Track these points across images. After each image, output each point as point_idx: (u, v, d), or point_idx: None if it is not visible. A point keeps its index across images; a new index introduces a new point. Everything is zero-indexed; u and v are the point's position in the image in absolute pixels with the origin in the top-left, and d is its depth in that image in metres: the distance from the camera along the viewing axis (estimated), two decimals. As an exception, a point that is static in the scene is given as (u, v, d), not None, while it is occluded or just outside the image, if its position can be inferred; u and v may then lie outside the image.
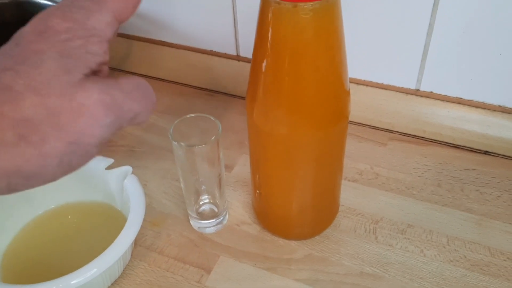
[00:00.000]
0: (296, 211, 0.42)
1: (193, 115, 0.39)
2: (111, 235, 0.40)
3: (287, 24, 0.31)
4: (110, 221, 0.45)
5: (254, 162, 0.42)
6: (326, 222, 0.44)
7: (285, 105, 0.34)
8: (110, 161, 0.45)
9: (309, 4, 0.30)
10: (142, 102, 0.24)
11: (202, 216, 0.45)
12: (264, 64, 0.34)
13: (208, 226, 0.45)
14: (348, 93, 0.36)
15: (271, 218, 0.44)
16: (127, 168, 0.44)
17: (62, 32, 0.22)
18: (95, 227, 0.46)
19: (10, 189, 0.22)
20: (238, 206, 0.48)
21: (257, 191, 0.43)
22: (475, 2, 0.44)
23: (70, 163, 0.22)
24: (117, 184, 0.44)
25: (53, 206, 0.46)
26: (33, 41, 0.22)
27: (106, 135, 0.22)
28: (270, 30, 0.32)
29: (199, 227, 0.45)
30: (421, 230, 0.44)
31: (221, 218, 0.45)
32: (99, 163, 0.45)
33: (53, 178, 0.23)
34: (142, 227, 0.40)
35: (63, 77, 0.21)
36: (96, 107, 0.21)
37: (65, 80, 0.21)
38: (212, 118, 0.40)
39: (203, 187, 0.44)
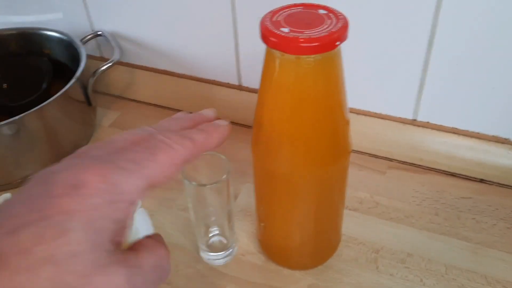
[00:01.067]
0: (299, 242, 0.43)
1: (204, 153, 0.41)
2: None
3: (290, 74, 0.33)
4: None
5: (259, 196, 0.43)
6: (329, 252, 0.46)
7: (288, 146, 0.36)
8: (119, 194, 0.46)
9: (311, 56, 0.31)
10: (157, 282, 0.24)
11: (211, 248, 0.46)
12: (268, 108, 0.35)
13: (218, 258, 0.46)
14: (348, 129, 0.38)
15: (275, 249, 0.45)
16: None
17: (94, 195, 0.21)
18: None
19: None
20: (242, 236, 0.49)
21: (261, 224, 0.45)
22: (469, 38, 0.46)
23: None
24: (125, 217, 0.46)
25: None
26: (63, 195, 0.21)
27: None
28: (274, 78, 0.34)
29: (208, 259, 0.46)
30: (420, 259, 0.46)
31: (231, 250, 0.46)
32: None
33: None
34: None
35: (87, 256, 0.21)
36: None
37: (89, 259, 0.21)
38: (222, 157, 0.41)
39: (213, 219, 0.45)
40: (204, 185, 0.40)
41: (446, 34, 0.47)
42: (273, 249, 0.46)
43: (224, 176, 0.40)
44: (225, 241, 0.46)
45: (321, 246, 0.45)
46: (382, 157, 0.57)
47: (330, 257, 0.46)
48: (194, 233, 0.48)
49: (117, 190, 0.22)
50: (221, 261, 0.46)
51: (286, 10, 0.34)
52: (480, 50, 0.46)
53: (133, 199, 0.23)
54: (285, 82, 0.33)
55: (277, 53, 0.32)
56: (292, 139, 0.35)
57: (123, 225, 0.23)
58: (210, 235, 0.47)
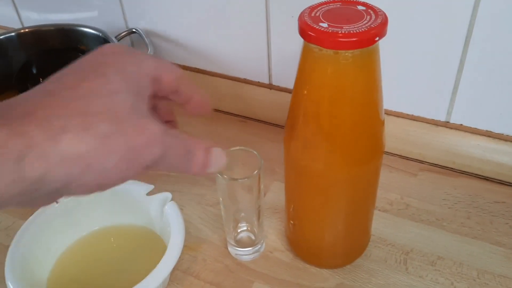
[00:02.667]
0: (329, 241, 0.43)
1: (236, 148, 0.41)
2: (151, 259, 0.42)
3: (328, 69, 0.33)
4: (149, 245, 0.48)
5: (289, 194, 0.43)
6: (358, 252, 0.46)
7: (323, 143, 0.36)
8: (151, 187, 0.47)
9: (350, 51, 0.31)
10: (183, 165, 0.27)
11: (239, 243, 0.47)
12: (304, 104, 0.36)
13: (246, 254, 0.46)
14: (383, 129, 0.38)
15: (304, 247, 0.45)
16: (167, 195, 0.46)
17: (122, 53, 0.26)
18: (135, 250, 0.48)
19: (67, 182, 0.22)
20: (271, 233, 0.49)
21: (291, 222, 0.45)
22: (506, 39, 0.45)
23: (122, 170, 0.24)
24: (157, 210, 0.46)
25: (96, 228, 0.49)
26: (96, 54, 0.26)
27: (152, 160, 0.25)
28: (311, 73, 0.34)
29: (236, 254, 0.47)
30: (451, 262, 0.45)
31: (259, 246, 0.46)
32: (140, 188, 0.47)
33: (104, 179, 0.24)
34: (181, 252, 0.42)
35: (126, 95, 0.24)
36: (155, 133, 0.25)
37: (128, 98, 0.24)
38: (255, 152, 0.41)
39: (242, 214, 0.46)
40: (236, 179, 0.40)
41: (483, 34, 0.46)
42: (302, 247, 0.46)
43: (256, 172, 0.40)
44: (253, 237, 0.47)
45: (350, 246, 0.44)
46: (414, 159, 0.56)
47: (358, 257, 0.46)
48: (223, 228, 0.48)
49: (134, 55, 0.27)
50: (249, 257, 0.46)
51: (325, 6, 0.34)
52: (518, 52, 0.46)
53: (147, 67, 0.27)
54: (322, 78, 0.33)
55: (315, 48, 0.32)
56: (327, 136, 0.35)
57: (143, 88, 0.26)
58: (239, 230, 0.47)
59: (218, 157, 0.29)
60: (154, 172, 0.26)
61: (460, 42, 0.47)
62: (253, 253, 0.46)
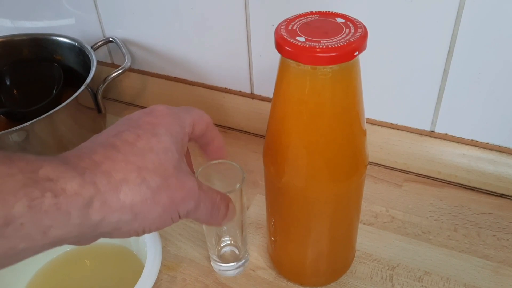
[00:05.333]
0: (312, 259, 0.42)
1: (217, 161, 0.39)
2: (127, 279, 0.40)
3: (306, 85, 0.31)
4: (126, 264, 0.46)
5: (270, 211, 0.42)
6: (343, 269, 0.44)
7: (304, 160, 0.34)
8: (127, 205, 0.45)
9: (328, 66, 0.30)
10: (210, 218, 0.31)
11: (223, 259, 0.45)
12: (282, 120, 0.34)
13: (229, 270, 0.45)
14: (365, 143, 0.37)
15: (287, 265, 0.44)
16: (144, 213, 0.44)
17: (166, 115, 0.30)
18: (111, 270, 0.46)
19: (117, 227, 0.25)
20: (253, 249, 0.47)
21: (272, 238, 0.43)
22: (490, 48, 0.44)
23: (162, 219, 0.27)
24: (133, 229, 0.44)
25: (69, 249, 0.47)
26: (143, 115, 0.29)
27: (187, 212, 0.29)
28: (289, 88, 0.32)
29: (219, 270, 0.45)
30: (438, 277, 0.44)
31: (243, 261, 0.45)
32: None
33: (146, 226, 0.27)
34: (158, 272, 0.41)
35: (175, 153, 0.28)
36: (193, 188, 0.28)
37: (176, 155, 0.28)
38: (237, 166, 0.40)
39: (225, 229, 0.44)
40: None
41: (466, 43, 0.45)
42: (284, 265, 0.44)
43: (238, 186, 0.39)
44: (237, 252, 0.45)
45: (334, 263, 0.43)
46: (399, 169, 0.55)
47: (343, 274, 0.44)
48: (206, 243, 0.47)
49: (178, 116, 0.30)
50: (233, 272, 0.45)
51: (302, 18, 0.32)
52: (500, 60, 0.45)
53: (187, 124, 0.31)
54: (300, 94, 0.32)
55: (292, 63, 0.31)
56: (307, 152, 0.34)
57: (184, 145, 0.30)
58: (222, 245, 0.45)
59: (232, 211, 0.33)
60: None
61: (444, 51, 0.46)
62: (237, 268, 0.45)
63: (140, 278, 0.39)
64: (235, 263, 0.45)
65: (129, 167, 0.26)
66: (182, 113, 0.31)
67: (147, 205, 0.26)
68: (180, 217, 0.29)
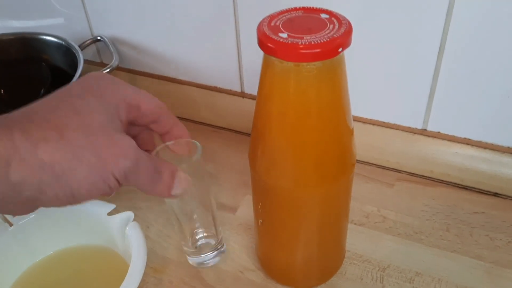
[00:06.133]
0: (300, 260, 0.41)
1: (172, 142, 0.35)
2: (113, 281, 0.39)
3: (290, 83, 0.30)
4: (112, 266, 0.45)
5: (257, 212, 0.41)
6: (332, 270, 0.43)
7: (290, 160, 0.34)
8: (112, 206, 0.44)
9: (312, 63, 0.29)
10: (150, 182, 0.29)
11: (200, 250, 0.44)
12: (266, 120, 0.33)
13: (209, 259, 0.44)
14: (353, 142, 0.36)
15: (275, 266, 0.43)
16: (129, 214, 0.43)
17: (99, 78, 0.29)
18: (96, 272, 0.45)
19: (40, 189, 0.25)
20: (241, 251, 0.47)
21: (260, 240, 0.42)
22: (482, 44, 0.43)
23: (94, 181, 0.26)
24: (118, 230, 0.44)
25: (53, 251, 0.46)
26: (77, 81, 0.29)
27: (122, 172, 0.26)
28: (273, 86, 0.31)
29: (199, 263, 0.44)
30: (430, 278, 0.43)
31: (219, 247, 0.44)
32: (101, 208, 0.44)
33: (75, 189, 0.25)
34: (143, 273, 0.40)
35: (101, 114, 0.27)
36: (128, 146, 0.27)
37: (102, 117, 0.27)
38: (194, 142, 0.37)
39: (195, 216, 0.43)
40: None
41: (458, 39, 0.44)
42: (273, 267, 0.43)
43: (195, 157, 0.36)
44: (213, 242, 0.44)
45: (323, 264, 0.42)
46: (390, 168, 0.54)
47: (333, 275, 0.43)
48: (180, 242, 0.46)
49: (115, 82, 0.30)
50: (213, 261, 0.44)
51: (286, 14, 0.32)
52: (494, 56, 0.44)
53: (128, 95, 0.29)
54: (284, 92, 0.31)
55: (275, 60, 0.30)
56: (292, 152, 0.33)
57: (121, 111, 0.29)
58: (197, 237, 0.44)
59: (183, 181, 0.31)
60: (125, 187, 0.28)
61: (435, 48, 0.45)
62: (216, 256, 0.44)
63: (125, 279, 0.38)
64: (212, 251, 0.44)
65: (48, 125, 0.25)
66: (123, 84, 0.30)
67: (69, 163, 0.25)
68: (118, 181, 0.27)
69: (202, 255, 0.44)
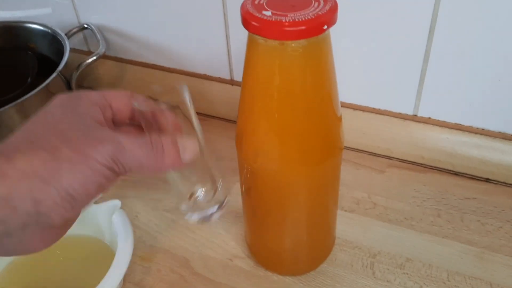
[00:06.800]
0: (289, 246, 0.40)
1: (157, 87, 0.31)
2: (100, 270, 0.39)
3: (275, 62, 0.30)
4: (99, 255, 0.44)
5: (245, 198, 0.40)
6: (322, 256, 0.43)
7: (275, 143, 0.33)
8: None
9: (297, 41, 0.28)
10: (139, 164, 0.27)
11: (201, 205, 0.37)
12: (252, 101, 0.32)
13: (213, 212, 0.37)
14: (340, 124, 0.35)
15: (264, 254, 0.42)
16: (116, 203, 0.43)
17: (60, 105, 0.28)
18: (83, 262, 0.44)
19: (37, 199, 0.24)
20: (230, 238, 0.46)
21: (249, 226, 0.42)
22: (472, 28, 0.43)
23: (79, 176, 0.25)
24: (105, 219, 0.43)
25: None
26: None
27: (108, 157, 0.25)
28: (257, 66, 0.31)
29: (202, 218, 0.37)
30: (420, 264, 0.42)
31: (222, 199, 0.37)
32: (86, 196, 0.43)
33: (70, 191, 0.25)
34: (131, 262, 0.39)
35: (69, 115, 0.27)
36: (103, 133, 0.26)
37: (72, 119, 0.26)
38: (178, 86, 0.32)
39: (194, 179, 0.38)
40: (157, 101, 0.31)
41: (448, 22, 0.43)
42: (262, 254, 0.43)
43: (186, 96, 0.32)
44: (212, 195, 0.37)
45: (312, 250, 0.41)
46: (381, 155, 0.54)
47: (322, 262, 0.43)
48: (183, 233, 0.45)
49: (80, 96, 0.29)
50: (217, 215, 0.36)
51: (270, -8, 0.31)
52: (485, 39, 0.43)
53: (94, 101, 0.28)
54: (269, 71, 0.30)
55: (259, 39, 0.29)
56: (278, 134, 0.32)
57: (97, 117, 0.28)
58: (197, 194, 0.39)
59: (189, 144, 0.29)
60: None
61: (425, 31, 0.45)
62: (219, 209, 0.37)
63: (111, 266, 0.38)
64: (212, 207, 0.37)
65: (18, 140, 0.25)
66: (93, 92, 0.29)
67: (49, 164, 0.24)
68: (111, 169, 0.26)
69: (205, 210, 0.38)
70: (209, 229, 0.47)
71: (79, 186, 0.25)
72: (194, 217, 0.38)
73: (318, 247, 0.42)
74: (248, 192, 0.39)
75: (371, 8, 0.45)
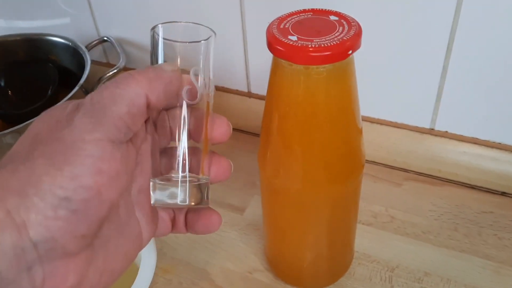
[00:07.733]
0: (309, 261, 0.41)
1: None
2: (122, 282, 0.39)
3: (300, 85, 0.30)
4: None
5: (266, 213, 0.41)
6: (341, 271, 0.43)
7: (299, 162, 0.34)
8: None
9: (322, 66, 0.29)
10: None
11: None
12: (276, 122, 0.33)
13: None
14: (362, 143, 0.36)
15: (284, 268, 0.43)
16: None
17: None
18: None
19: (87, 211, 0.21)
20: (249, 251, 0.47)
21: (269, 240, 0.42)
22: (490, 43, 0.43)
23: (107, 172, 0.22)
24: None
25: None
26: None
27: (123, 112, 0.23)
28: (282, 89, 0.32)
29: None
30: (439, 278, 0.43)
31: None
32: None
33: (108, 192, 0.21)
34: (153, 274, 0.40)
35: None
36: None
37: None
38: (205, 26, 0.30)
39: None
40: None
41: (466, 38, 0.44)
42: (281, 267, 0.43)
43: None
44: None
45: (332, 265, 0.42)
46: (398, 168, 0.54)
47: (341, 276, 0.43)
48: (203, 247, 0.46)
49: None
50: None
51: (295, 16, 0.32)
52: (502, 55, 0.44)
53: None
54: (294, 94, 0.31)
55: (285, 63, 0.30)
56: (302, 154, 0.33)
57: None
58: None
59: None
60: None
61: (443, 47, 0.45)
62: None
63: (135, 281, 0.39)
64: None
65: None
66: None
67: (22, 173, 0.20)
68: (130, 119, 0.23)
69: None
70: (229, 241, 0.48)
71: (111, 184, 0.21)
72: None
73: (337, 262, 0.42)
74: (269, 208, 0.40)
75: (390, 25, 0.46)
